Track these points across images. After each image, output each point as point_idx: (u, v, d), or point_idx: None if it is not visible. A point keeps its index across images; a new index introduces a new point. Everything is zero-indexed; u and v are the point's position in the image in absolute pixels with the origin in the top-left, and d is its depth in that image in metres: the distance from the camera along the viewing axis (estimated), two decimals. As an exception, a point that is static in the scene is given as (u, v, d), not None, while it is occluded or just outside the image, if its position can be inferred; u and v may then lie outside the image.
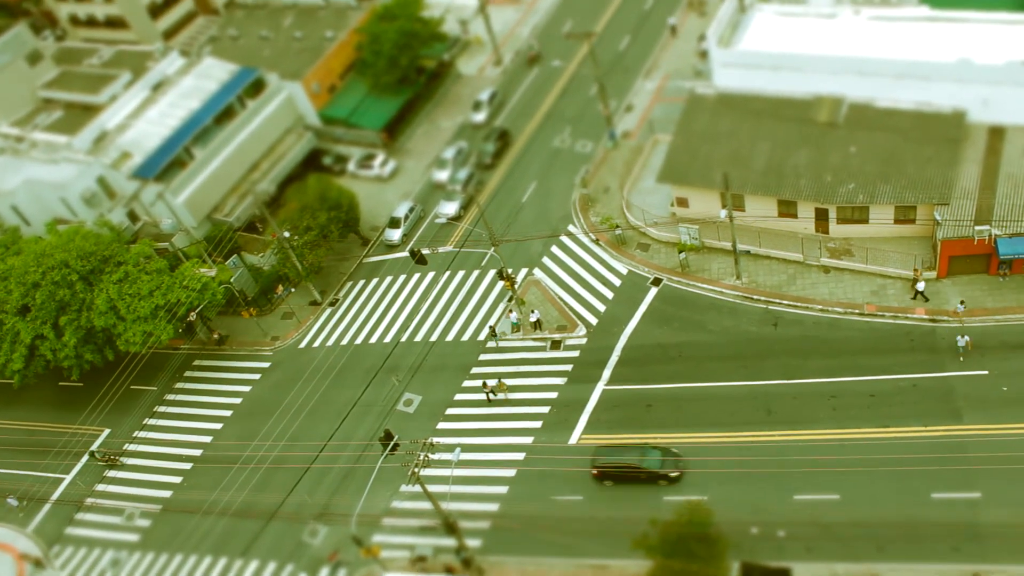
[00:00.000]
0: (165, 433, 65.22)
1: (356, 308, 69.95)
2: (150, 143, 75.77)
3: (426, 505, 51.02)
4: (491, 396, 59.20)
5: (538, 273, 67.19)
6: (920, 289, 57.19)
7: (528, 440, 56.88)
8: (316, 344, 68.19)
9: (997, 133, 60.04)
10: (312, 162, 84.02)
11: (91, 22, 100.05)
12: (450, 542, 51.26)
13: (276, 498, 58.19)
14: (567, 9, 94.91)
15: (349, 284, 72.39)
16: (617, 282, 64.67)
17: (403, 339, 65.99)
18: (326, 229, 69.83)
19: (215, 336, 70.41)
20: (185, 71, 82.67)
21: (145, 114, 78.59)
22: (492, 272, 67.99)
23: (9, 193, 73.58)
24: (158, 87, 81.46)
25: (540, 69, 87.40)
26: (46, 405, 70.26)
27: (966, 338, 52.49)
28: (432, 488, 48.43)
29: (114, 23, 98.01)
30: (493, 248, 62.26)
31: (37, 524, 62.26)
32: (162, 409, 66.90)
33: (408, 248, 70.59)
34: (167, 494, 61.34)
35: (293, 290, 72.76)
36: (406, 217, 74.86)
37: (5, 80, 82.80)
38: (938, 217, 56.40)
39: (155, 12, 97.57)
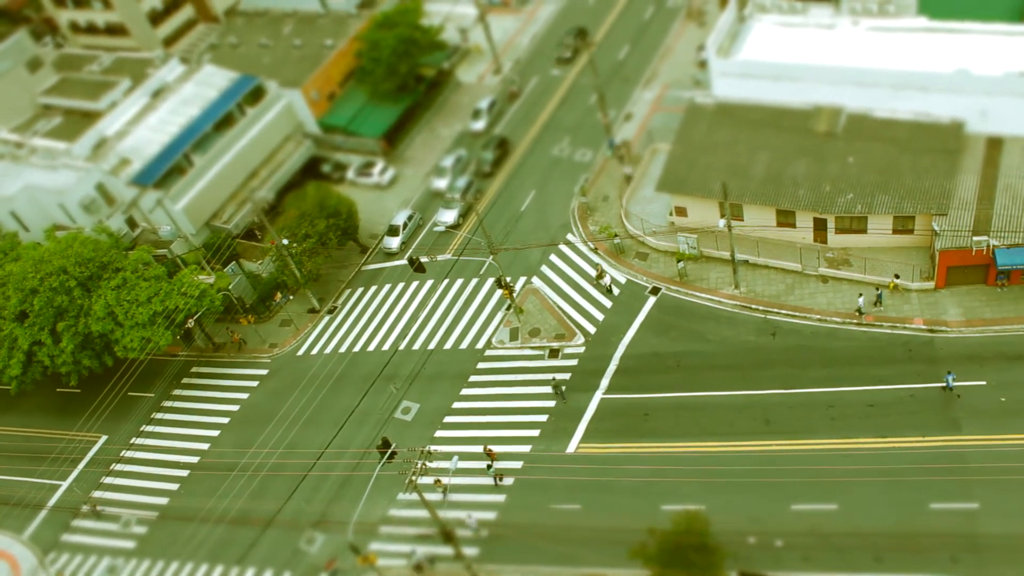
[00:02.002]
0: (162, 440, 65.09)
1: (354, 316, 69.92)
2: (149, 150, 75.78)
3: (423, 513, 50.95)
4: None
5: (536, 282, 67.22)
6: (606, 284, 60.45)
7: (526, 449, 56.79)
8: (314, 352, 68.13)
9: (995, 144, 60.18)
10: (311, 170, 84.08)
11: (91, 29, 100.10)
12: (447, 550, 51.16)
13: (273, 505, 58.10)
14: (566, 18, 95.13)
15: (347, 292, 72.38)
16: (616, 291, 64.68)
17: (401, 347, 65.95)
18: (325, 236, 69.83)
19: (236, 338, 70.42)
20: (185, 78, 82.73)
21: (145, 121, 78.60)
22: (491, 280, 68.01)
23: (8, 199, 73.56)
24: (158, 94, 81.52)
25: (539, 78, 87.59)
26: (43, 411, 70.11)
27: None
28: (429, 496, 48.34)
29: (114, 30, 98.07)
30: (492, 256, 62.32)
31: (33, 531, 62.06)
32: (159, 416, 66.74)
33: (407, 256, 70.58)
34: (164, 501, 61.17)
35: (291, 297, 72.72)
36: (405, 225, 74.90)
37: (5, 86, 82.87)
38: (936, 227, 56.48)
39: (155, 19, 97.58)
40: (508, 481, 55.52)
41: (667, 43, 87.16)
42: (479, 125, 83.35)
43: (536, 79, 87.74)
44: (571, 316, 63.93)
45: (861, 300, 57.54)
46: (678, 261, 63.60)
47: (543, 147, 79.68)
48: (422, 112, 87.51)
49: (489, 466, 56.22)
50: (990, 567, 44.89)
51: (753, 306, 60.51)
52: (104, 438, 66.32)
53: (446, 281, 69.99)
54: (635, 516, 50.58)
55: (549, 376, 60.27)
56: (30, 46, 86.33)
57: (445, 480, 54.94)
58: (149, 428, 65.95)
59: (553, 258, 68.62)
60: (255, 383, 67.40)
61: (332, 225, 70.50)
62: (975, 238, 54.86)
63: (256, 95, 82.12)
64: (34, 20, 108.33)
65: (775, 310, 59.76)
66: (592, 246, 68.04)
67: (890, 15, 67.46)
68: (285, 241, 67.41)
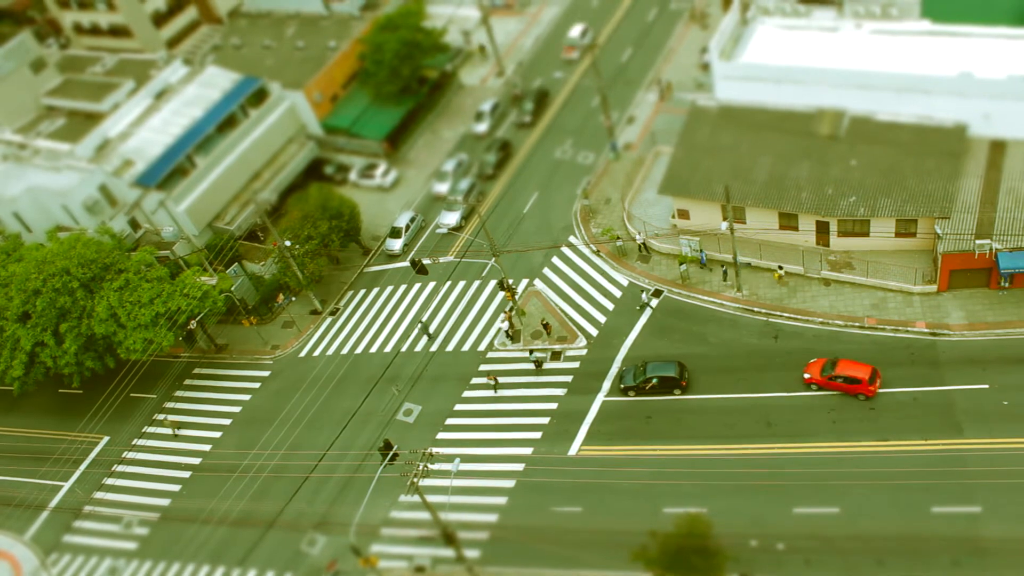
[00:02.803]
0: (164, 441, 65.13)
1: (356, 317, 69.95)
2: (152, 151, 75.88)
3: (425, 515, 50.94)
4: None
5: (539, 284, 67.21)
6: (505, 328, 62.05)
7: (527, 451, 56.78)
8: (316, 353, 68.16)
9: (998, 147, 60.15)
10: (314, 171, 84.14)
11: (95, 30, 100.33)
12: (449, 552, 51.15)
13: (275, 507, 58.12)
14: (570, 21, 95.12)
15: (350, 293, 72.42)
16: (618, 293, 64.67)
17: (403, 349, 65.96)
18: (327, 238, 69.90)
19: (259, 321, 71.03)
20: (188, 80, 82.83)
21: (148, 122, 78.71)
22: (493, 283, 68.01)
23: (11, 200, 73.70)
24: (161, 95, 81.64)
25: (543, 79, 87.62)
26: (45, 412, 70.17)
27: None
28: (431, 498, 48.34)
29: (118, 31, 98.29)
30: (494, 259, 62.34)
31: (35, 532, 62.11)
32: (161, 417, 66.78)
33: (409, 258, 70.64)
34: (165, 502, 61.21)
35: (294, 299, 72.76)
36: (407, 227, 74.92)
37: (9, 87, 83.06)
38: (939, 231, 56.45)
39: (159, 21, 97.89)
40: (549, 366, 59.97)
41: (670, 45, 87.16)
42: (482, 127, 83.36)
43: (507, 128, 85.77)
44: (573, 318, 63.92)
45: (644, 296, 61.70)
46: (680, 264, 63.58)
47: (546, 150, 79.67)
48: (425, 114, 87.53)
49: (532, 351, 58.29)
50: (992, 571, 44.81)
51: (755, 309, 60.47)
52: (106, 439, 66.37)
53: (448, 283, 70.01)
54: (637, 519, 50.57)
55: (551, 378, 60.34)
56: (34, 47, 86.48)
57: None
58: (151, 429, 66.01)
59: (555, 260, 68.63)
60: (257, 384, 67.45)
61: (335, 227, 70.56)
62: (978, 241, 54.81)
63: (259, 97, 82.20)
64: (38, 21, 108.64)
65: (777, 313, 59.73)
66: (595, 248, 68.05)
67: (893, 18, 67.44)
68: (288, 243, 67.47)
